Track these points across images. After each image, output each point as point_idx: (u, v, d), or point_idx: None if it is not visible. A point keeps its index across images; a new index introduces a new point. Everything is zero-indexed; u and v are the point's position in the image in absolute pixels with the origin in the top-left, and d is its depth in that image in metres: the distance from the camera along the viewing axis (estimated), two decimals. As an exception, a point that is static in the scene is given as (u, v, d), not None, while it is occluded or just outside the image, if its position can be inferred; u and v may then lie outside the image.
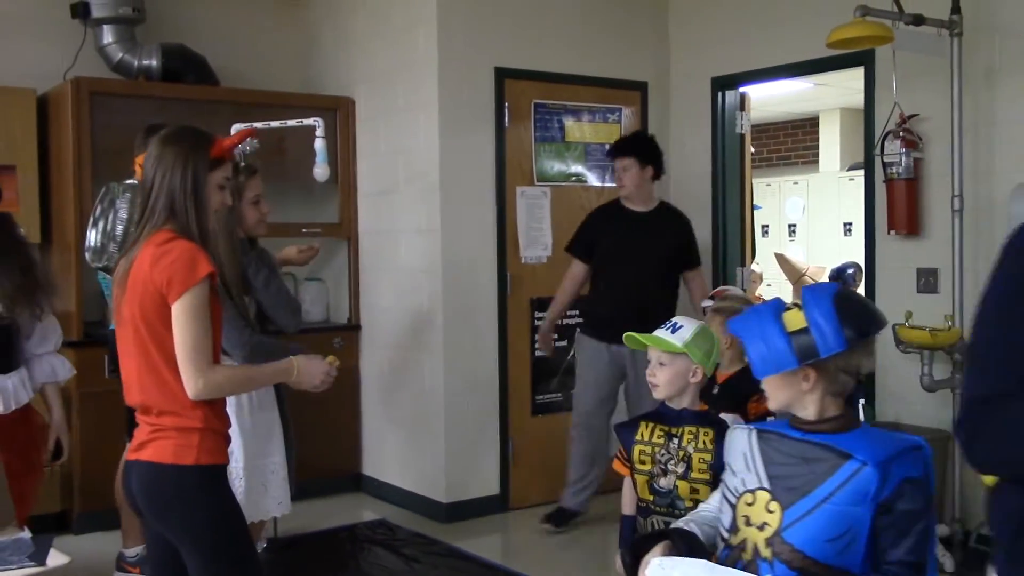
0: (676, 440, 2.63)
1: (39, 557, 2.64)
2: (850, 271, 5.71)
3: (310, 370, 2.55)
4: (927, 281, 4.64)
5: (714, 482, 2.46)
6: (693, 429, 2.63)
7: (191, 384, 2.31)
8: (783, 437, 2.05)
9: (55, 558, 2.65)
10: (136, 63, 5.30)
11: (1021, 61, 4.27)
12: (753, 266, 6.58)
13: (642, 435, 2.70)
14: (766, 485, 2.03)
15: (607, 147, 4.95)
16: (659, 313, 4.61)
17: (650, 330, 4.63)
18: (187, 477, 2.33)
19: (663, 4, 5.84)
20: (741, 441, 2.12)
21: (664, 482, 2.60)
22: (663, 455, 2.63)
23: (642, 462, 2.66)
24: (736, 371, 3.42)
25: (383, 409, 5.52)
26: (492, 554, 4.60)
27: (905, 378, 4.67)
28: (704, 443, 2.60)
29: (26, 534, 2.78)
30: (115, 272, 2.47)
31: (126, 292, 2.38)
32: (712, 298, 4.11)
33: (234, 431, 2.75)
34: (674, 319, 2.75)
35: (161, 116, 4.85)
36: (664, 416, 2.71)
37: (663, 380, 2.66)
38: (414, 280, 5.19)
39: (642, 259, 4.72)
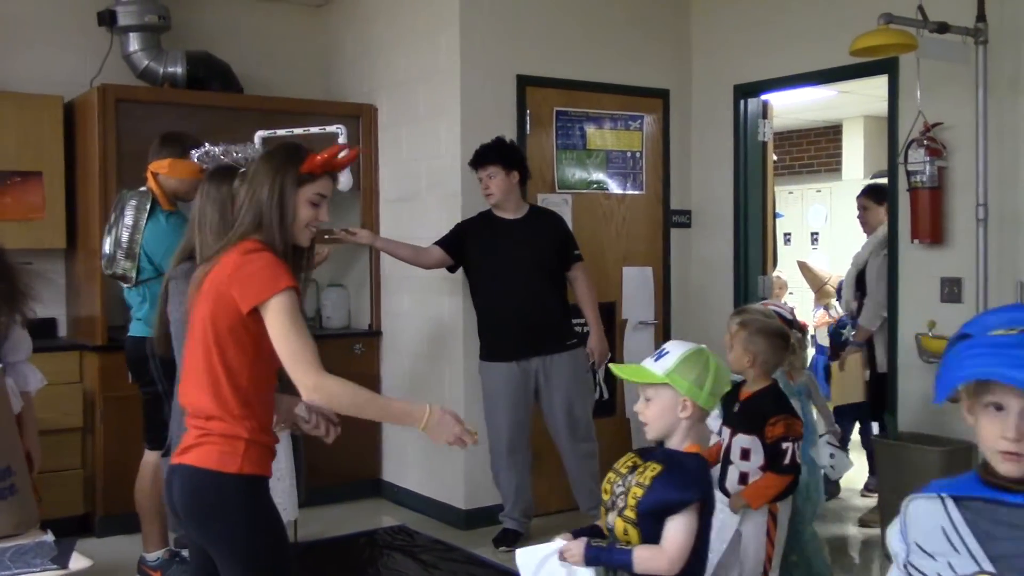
0: (634, 473, 2.30)
1: (61, 560, 2.65)
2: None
3: (441, 427, 2.37)
4: (951, 290, 4.60)
5: (640, 524, 2.22)
6: (652, 464, 2.28)
7: (303, 384, 2.28)
8: (996, 504, 1.56)
9: (77, 561, 2.67)
10: (161, 70, 5.35)
11: (1047, 69, 4.24)
12: (777, 274, 6.55)
13: (618, 463, 2.39)
14: (990, 569, 1.54)
15: (471, 158, 4.76)
16: (552, 318, 4.70)
17: (547, 337, 4.68)
18: (229, 484, 2.31)
19: (684, 12, 5.83)
20: (935, 514, 1.61)
21: (610, 518, 2.31)
22: (618, 487, 2.31)
23: (605, 491, 2.37)
24: (760, 389, 3.30)
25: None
26: (511, 561, 4.59)
27: (927, 388, 4.63)
28: (646, 478, 2.25)
29: (49, 537, 2.80)
30: (193, 276, 2.48)
31: (200, 294, 2.39)
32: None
33: None
34: (665, 344, 2.41)
35: (186, 123, 4.92)
36: (649, 451, 2.38)
37: (651, 416, 2.32)
38: (435, 287, 5.20)
39: (522, 266, 4.64)
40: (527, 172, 4.82)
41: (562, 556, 2.32)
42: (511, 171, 4.68)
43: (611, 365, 2.49)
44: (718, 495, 3.11)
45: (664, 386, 2.30)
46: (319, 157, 2.47)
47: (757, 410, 3.21)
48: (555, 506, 5.16)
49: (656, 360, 2.32)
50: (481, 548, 4.74)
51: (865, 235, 5.51)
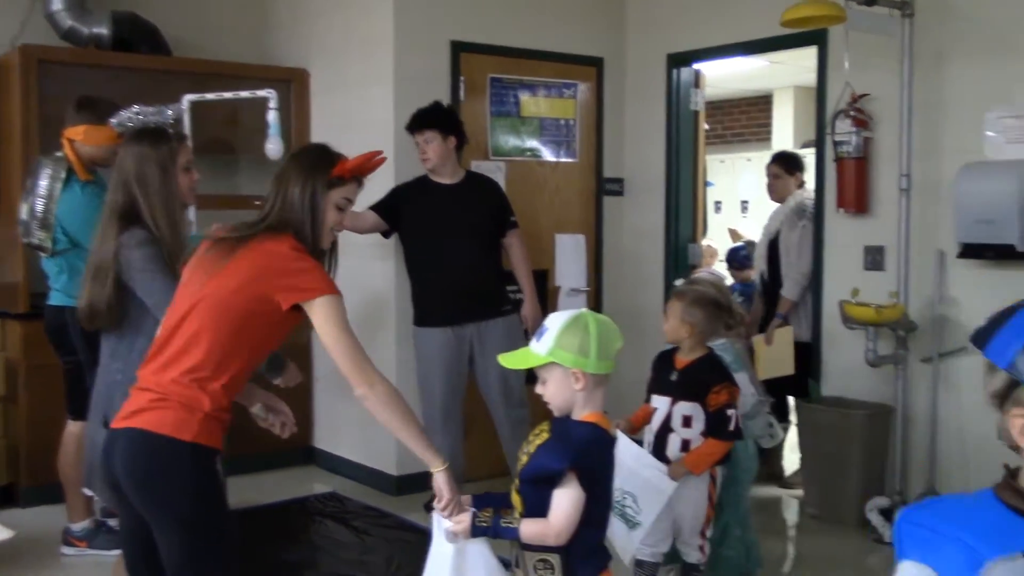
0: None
1: (-16, 530, 2.62)
2: (743, 252, 5.67)
3: (443, 486, 2.46)
4: (874, 259, 4.72)
5: (524, 493, 2.23)
6: (545, 432, 2.30)
7: (360, 382, 2.39)
8: None
9: (1, 532, 2.64)
10: (86, 31, 5.20)
11: (970, 44, 4.34)
12: (707, 242, 6.64)
13: (532, 431, 2.38)
14: None
15: (408, 121, 4.70)
16: (487, 284, 4.71)
17: (481, 303, 4.68)
18: (183, 451, 2.27)
19: (619, -20, 5.85)
20: None
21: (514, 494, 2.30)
22: (524, 455, 2.31)
23: (521, 461, 2.34)
24: (697, 358, 3.33)
25: (335, 382, 5.51)
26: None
27: (850, 354, 4.76)
28: (533, 446, 2.27)
29: None
30: (206, 249, 2.43)
31: (224, 269, 2.34)
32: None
33: None
34: (545, 321, 2.31)
35: (111, 86, 4.80)
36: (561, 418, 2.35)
37: (550, 395, 2.28)
38: (368, 255, 5.17)
39: (458, 232, 4.64)
40: (464, 137, 4.80)
41: (452, 532, 2.34)
42: (448, 136, 4.66)
43: (499, 356, 2.39)
44: (654, 462, 3.21)
45: (552, 364, 2.24)
46: (350, 163, 2.51)
47: (698, 378, 3.25)
48: (486, 472, 5.20)
49: (538, 340, 2.26)
50: (413, 514, 4.77)
51: (774, 203, 5.49)
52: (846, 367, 4.84)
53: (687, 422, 3.27)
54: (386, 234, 4.85)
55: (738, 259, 5.50)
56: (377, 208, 4.75)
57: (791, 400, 5.37)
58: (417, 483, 5.04)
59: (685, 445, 3.28)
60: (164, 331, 2.39)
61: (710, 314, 3.33)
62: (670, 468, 3.20)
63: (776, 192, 5.41)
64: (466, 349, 4.72)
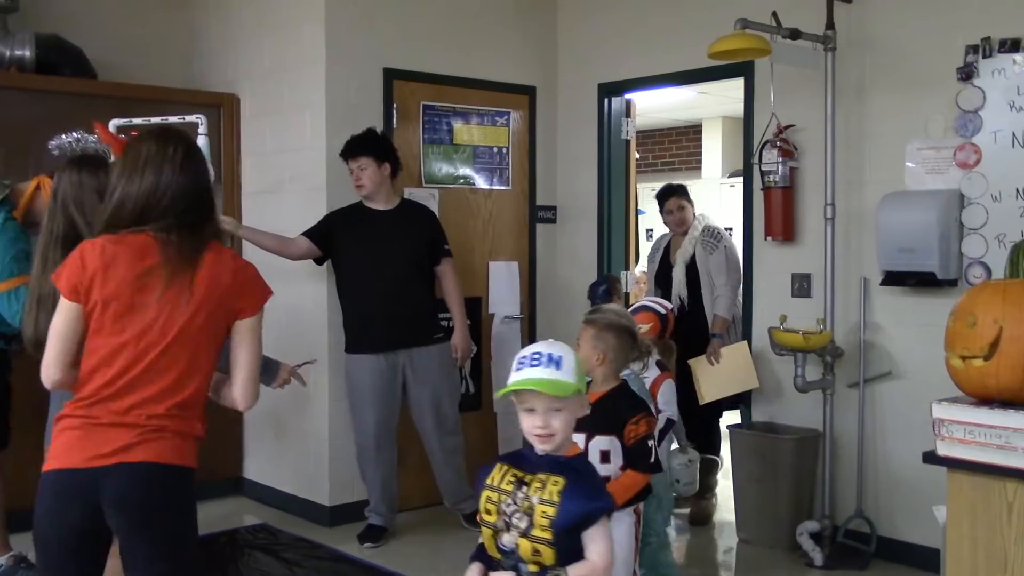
0: (524, 489, 2.17)
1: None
2: (602, 288, 5.25)
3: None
4: (801, 286, 4.81)
5: (557, 543, 2.10)
6: (543, 477, 2.16)
7: (251, 397, 2.46)
8: None
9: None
10: (8, 53, 5.08)
11: (890, 76, 4.47)
12: (638, 270, 6.67)
13: (493, 479, 2.23)
14: None
15: (342, 148, 4.73)
16: (420, 311, 4.71)
17: (413, 330, 4.65)
18: (187, 478, 2.35)
19: (551, 10, 5.91)
20: None
21: (507, 539, 2.16)
22: (508, 506, 2.16)
23: (487, 512, 2.20)
24: (610, 389, 3.14)
25: (265, 411, 5.43)
26: (376, 557, 4.58)
27: (779, 380, 4.84)
28: (550, 494, 2.13)
29: None
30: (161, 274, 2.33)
31: (193, 298, 2.31)
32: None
33: None
34: (537, 348, 2.23)
35: (35, 110, 4.70)
36: (523, 459, 2.24)
37: (559, 428, 2.18)
38: (299, 281, 5.12)
39: (392, 258, 4.64)
40: (399, 164, 4.80)
41: None
42: (383, 163, 4.67)
43: (532, 381, 2.15)
44: None
45: (575, 394, 2.21)
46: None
47: (613, 411, 3.05)
48: (420, 501, 5.16)
49: (558, 367, 2.19)
50: (345, 545, 4.70)
51: (677, 234, 5.47)
52: (775, 392, 4.92)
53: (605, 457, 3.05)
54: (319, 260, 4.81)
55: (598, 295, 5.16)
56: (310, 234, 4.72)
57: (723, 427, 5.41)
58: (350, 513, 4.98)
59: (605, 482, 3.03)
60: (131, 361, 2.29)
61: (622, 341, 3.17)
62: None
63: (685, 223, 5.40)
64: (399, 377, 4.69)
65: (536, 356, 2.21)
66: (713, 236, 5.27)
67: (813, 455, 4.66)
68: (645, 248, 9.07)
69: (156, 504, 2.30)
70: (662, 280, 5.43)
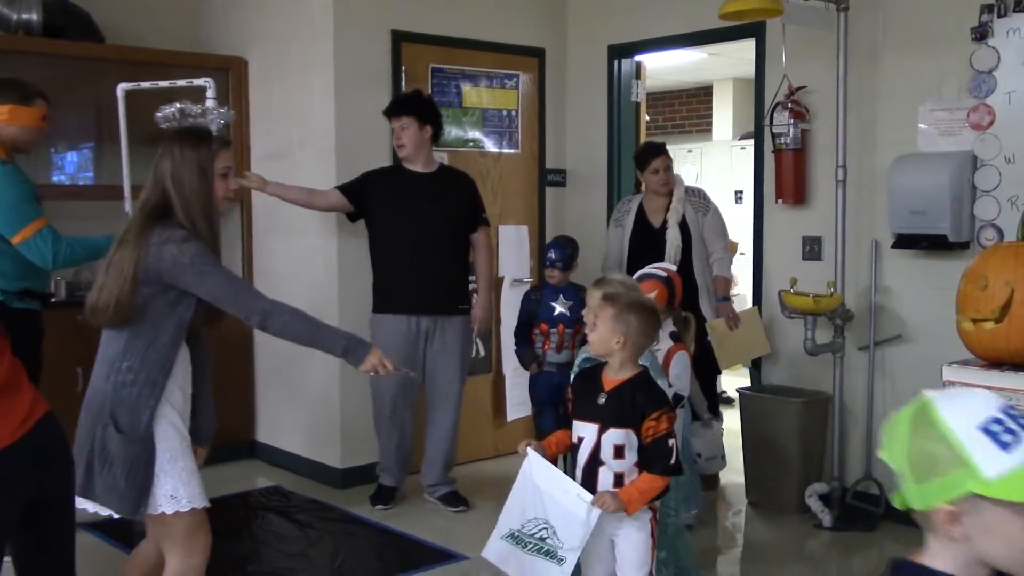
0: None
1: None
2: (568, 251, 4.71)
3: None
4: (811, 249, 4.80)
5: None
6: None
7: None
8: None
9: None
10: (15, 17, 5.06)
11: (903, 37, 4.42)
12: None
13: None
14: None
15: (387, 106, 4.66)
16: (451, 279, 4.63)
17: (442, 297, 4.56)
18: None
19: (561, -29, 5.85)
20: None
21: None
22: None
23: None
24: (628, 377, 2.82)
25: (278, 375, 5.46)
26: (388, 519, 4.62)
27: (790, 343, 4.84)
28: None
29: None
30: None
31: None
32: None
33: None
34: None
35: (42, 74, 4.67)
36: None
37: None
38: (309, 245, 5.12)
39: (429, 222, 4.57)
40: (440, 128, 4.75)
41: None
42: (424, 125, 4.61)
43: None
44: (572, 486, 2.78)
45: None
46: None
47: (631, 402, 2.77)
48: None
49: None
50: (357, 507, 4.74)
51: (658, 195, 5.01)
52: (786, 355, 4.92)
53: (619, 452, 2.78)
54: (352, 217, 4.76)
55: (564, 258, 4.68)
56: (344, 188, 4.66)
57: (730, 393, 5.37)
58: (362, 476, 5.02)
59: (619, 480, 2.78)
60: None
61: (646, 324, 2.84)
62: (597, 497, 2.70)
63: (670, 184, 4.96)
64: (421, 341, 4.63)
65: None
66: (701, 197, 5.02)
67: (823, 418, 4.68)
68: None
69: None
70: (641, 244, 4.99)
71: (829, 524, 4.44)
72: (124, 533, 4.17)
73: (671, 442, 2.77)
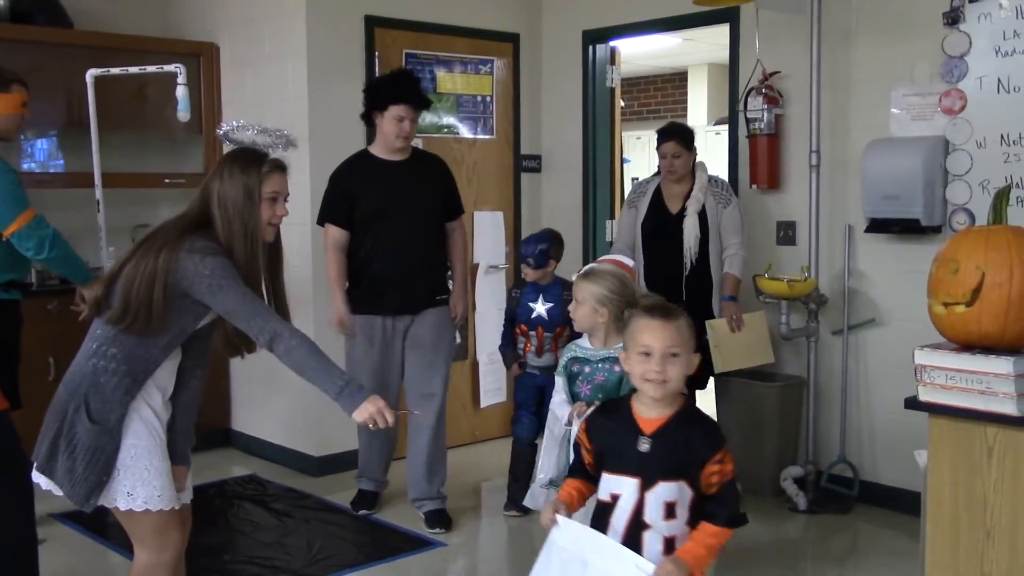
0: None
1: None
2: (540, 247, 4.38)
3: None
4: (786, 234, 4.81)
5: None
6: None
7: None
8: None
9: None
10: (-19, 2, 4.99)
11: (876, 22, 4.44)
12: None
13: None
14: None
15: (399, 94, 4.21)
16: (435, 270, 4.33)
17: (429, 294, 4.30)
18: None
19: (535, -45, 5.83)
20: None
21: None
22: None
23: None
24: (673, 413, 2.34)
25: (253, 362, 5.41)
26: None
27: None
28: None
29: None
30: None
31: None
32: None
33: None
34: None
35: (10, 60, 4.60)
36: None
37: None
38: (283, 232, 5.07)
39: (411, 213, 4.23)
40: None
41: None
42: (420, 111, 4.31)
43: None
44: (631, 556, 2.17)
45: None
46: None
47: (684, 446, 2.26)
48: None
49: None
50: (334, 495, 4.73)
51: (672, 182, 4.62)
52: (759, 340, 4.94)
53: (670, 511, 2.24)
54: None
55: (534, 254, 4.36)
56: (333, 219, 4.29)
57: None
58: (339, 464, 5.01)
59: (669, 546, 2.24)
60: None
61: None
62: (660, 568, 2.13)
63: (675, 173, 4.57)
64: (399, 340, 4.34)
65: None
66: (724, 188, 4.61)
67: (797, 402, 4.70)
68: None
69: None
70: (656, 230, 4.62)
71: (804, 507, 4.47)
72: (99, 524, 4.15)
73: (738, 486, 2.34)
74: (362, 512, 4.51)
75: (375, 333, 4.30)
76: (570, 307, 3.19)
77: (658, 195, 4.68)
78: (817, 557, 4.17)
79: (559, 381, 3.24)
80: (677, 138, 4.57)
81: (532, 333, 4.36)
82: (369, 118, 4.30)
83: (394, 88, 4.21)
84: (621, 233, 4.81)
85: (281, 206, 2.79)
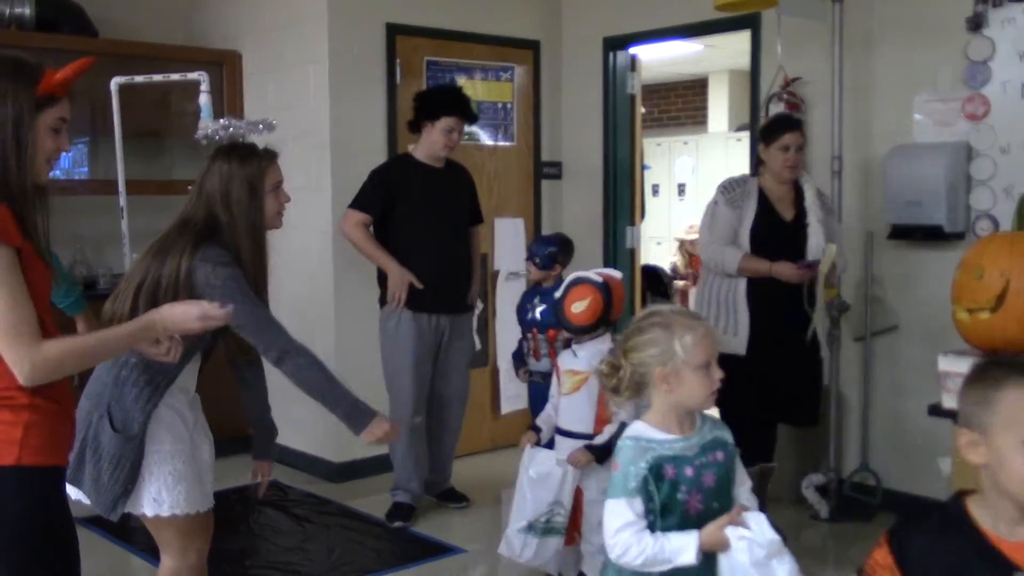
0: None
1: None
2: (549, 250, 4.32)
3: (176, 315, 2.17)
4: (807, 240, 4.78)
5: None
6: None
7: (18, 370, 1.93)
8: None
9: None
10: (8, 11, 5.04)
11: (898, 28, 4.42)
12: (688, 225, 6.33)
13: None
14: None
15: (453, 104, 4.42)
16: (465, 272, 4.53)
17: (458, 294, 4.47)
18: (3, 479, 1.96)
19: (555, -38, 5.84)
20: None
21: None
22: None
23: None
24: None
25: (273, 368, 5.44)
26: (384, 513, 4.61)
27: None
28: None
29: None
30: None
31: None
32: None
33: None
34: None
35: (35, 68, 4.65)
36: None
37: None
38: (304, 240, 5.11)
39: (450, 217, 4.49)
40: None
41: None
42: (464, 126, 4.55)
43: None
44: None
45: None
46: (59, 74, 2.03)
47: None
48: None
49: None
50: (354, 500, 4.74)
51: (786, 180, 4.13)
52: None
53: None
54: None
55: (540, 253, 4.29)
56: (366, 207, 4.42)
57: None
58: (359, 470, 5.02)
59: None
60: None
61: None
62: None
63: (798, 169, 4.12)
64: (436, 346, 4.50)
65: None
66: (825, 195, 4.24)
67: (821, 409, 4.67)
68: (651, 204, 9.04)
69: None
70: (773, 238, 4.05)
71: (826, 515, 4.44)
72: (123, 530, 4.17)
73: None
74: (398, 524, 4.49)
75: (416, 330, 4.41)
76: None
77: (763, 198, 4.12)
78: (839, 565, 4.14)
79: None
80: (799, 128, 4.12)
81: (529, 335, 4.27)
82: (416, 125, 4.47)
83: (449, 100, 4.43)
84: (719, 231, 4.10)
85: (284, 193, 2.82)
